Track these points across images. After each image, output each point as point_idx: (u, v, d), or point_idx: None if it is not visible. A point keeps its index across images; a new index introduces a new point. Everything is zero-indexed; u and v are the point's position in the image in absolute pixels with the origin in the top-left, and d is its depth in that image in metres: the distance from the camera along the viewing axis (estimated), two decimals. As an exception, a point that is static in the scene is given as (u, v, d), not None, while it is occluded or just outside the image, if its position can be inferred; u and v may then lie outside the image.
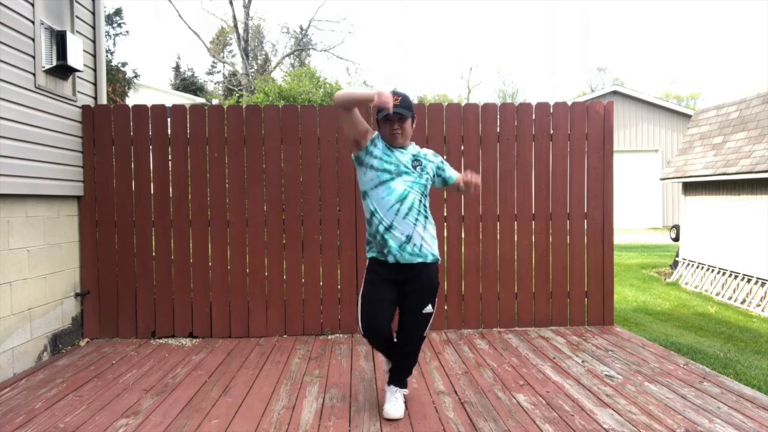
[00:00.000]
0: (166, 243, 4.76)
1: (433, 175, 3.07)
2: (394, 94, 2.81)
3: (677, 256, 10.30)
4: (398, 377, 3.09)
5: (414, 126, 3.00)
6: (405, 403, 3.10)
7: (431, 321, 3.04)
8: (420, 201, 2.95)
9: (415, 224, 2.92)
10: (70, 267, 4.59)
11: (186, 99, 24.90)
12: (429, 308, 2.99)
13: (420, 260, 2.96)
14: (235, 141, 4.78)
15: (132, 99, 16.11)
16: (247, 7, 25.58)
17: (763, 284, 7.84)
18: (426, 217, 2.99)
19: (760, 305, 7.72)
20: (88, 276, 4.71)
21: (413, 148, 3.05)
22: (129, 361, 4.10)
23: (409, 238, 2.90)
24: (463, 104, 4.96)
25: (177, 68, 37.24)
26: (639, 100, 18.80)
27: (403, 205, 2.89)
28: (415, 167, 2.96)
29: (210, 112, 4.81)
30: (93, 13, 4.90)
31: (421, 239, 2.94)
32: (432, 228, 3.05)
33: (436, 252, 3.06)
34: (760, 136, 8.04)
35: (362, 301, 3.01)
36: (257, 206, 4.78)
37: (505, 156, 4.96)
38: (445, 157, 4.94)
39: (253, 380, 3.64)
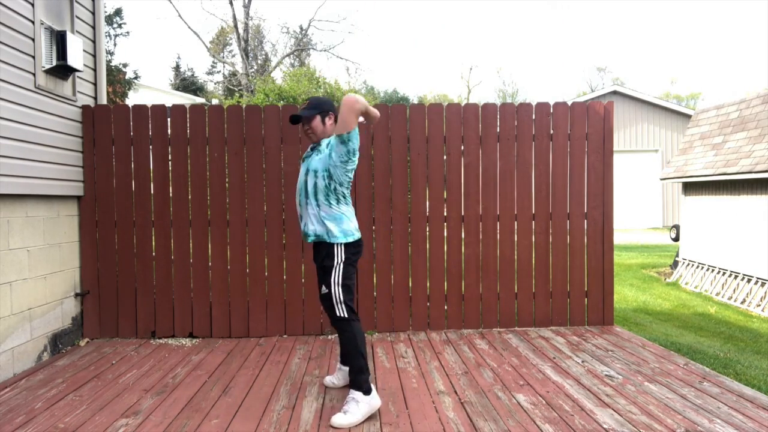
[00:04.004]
0: (166, 243, 4.77)
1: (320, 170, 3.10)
2: (306, 100, 3.11)
3: (677, 256, 10.30)
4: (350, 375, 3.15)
5: (330, 120, 3.14)
6: (362, 407, 2.96)
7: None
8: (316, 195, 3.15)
9: None
10: (70, 267, 4.59)
11: (186, 99, 24.91)
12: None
13: None
14: (235, 141, 4.78)
15: (132, 99, 16.10)
16: (247, 7, 25.59)
17: (763, 284, 7.84)
18: (316, 200, 3.12)
19: (760, 305, 7.72)
20: (88, 276, 4.71)
21: (330, 140, 3.12)
22: (129, 361, 4.10)
23: None
24: (463, 104, 4.96)
25: (177, 68, 37.27)
26: (639, 100, 18.80)
27: None
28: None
29: (210, 112, 4.81)
30: (93, 13, 4.90)
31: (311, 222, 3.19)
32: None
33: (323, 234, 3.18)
34: (760, 136, 8.04)
35: (350, 287, 3.12)
36: (257, 206, 4.79)
37: (505, 156, 4.96)
38: (445, 157, 4.95)
39: (253, 380, 3.65)
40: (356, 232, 3.16)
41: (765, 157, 7.61)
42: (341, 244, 3.07)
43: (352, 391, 3.03)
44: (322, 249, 3.11)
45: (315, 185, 3.07)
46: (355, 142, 2.98)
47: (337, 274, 3.06)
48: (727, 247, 8.73)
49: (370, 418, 3.01)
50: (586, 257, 5.01)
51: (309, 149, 3.24)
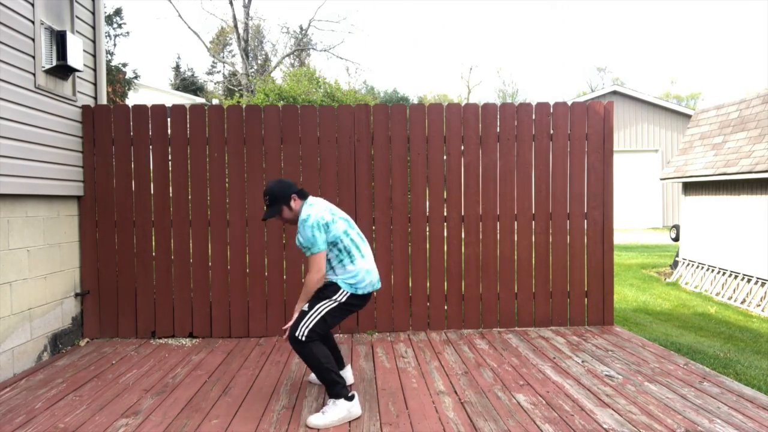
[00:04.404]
0: (166, 243, 4.77)
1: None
2: (264, 195, 3.16)
3: (677, 256, 10.30)
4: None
5: (294, 202, 3.13)
6: (341, 411, 2.96)
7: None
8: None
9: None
10: (70, 267, 4.59)
11: (186, 99, 24.91)
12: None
13: None
14: (235, 141, 4.78)
15: (132, 99, 16.11)
16: (247, 7, 25.59)
17: (763, 284, 7.84)
18: (331, 268, 3.15)
19: (760, 305, 7.72)
20: (88, 276, 4.71)
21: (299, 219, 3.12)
22: (129, 361, 4.10)
23: None
24: (463, 104, 4.96)
25: (177, 68, 37.28)
26: (639, 100, 18.80)
27: None
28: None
29: (210, 112, 4.81)
30: (93, 13, 4.90)
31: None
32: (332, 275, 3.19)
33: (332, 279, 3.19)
34: (760, 136, 8.04)
35: (327, 323, 3.09)
36: (257, 206, 4.78)
37: (505, 156, 4.96)
38: (445, 157, 4.94)
39: (253, 380, 3.65)
40: (370, 287, 3.15)
41: (765, 157, 7.61)
42: (348, 292, 3.09)
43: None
44: (330, 283, 3.13)
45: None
46: (323, 239, 3.03)
47: (326, 306, 3.06)
48: (727, 247, 8.73)
49: (370, 417, 3.01)
50: (586, 257, 5.01)
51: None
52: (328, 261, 3.12)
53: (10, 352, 3.78)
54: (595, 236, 5.01)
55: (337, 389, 2.99)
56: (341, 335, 4.79)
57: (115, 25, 14.88)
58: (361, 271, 3.11)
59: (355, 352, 4.29)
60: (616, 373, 3.72)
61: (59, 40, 4.20)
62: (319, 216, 3.05)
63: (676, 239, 11.22)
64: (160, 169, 4.78)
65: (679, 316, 7.14)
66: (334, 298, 3.07)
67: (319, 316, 3.03)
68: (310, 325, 3.01)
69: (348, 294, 3.09)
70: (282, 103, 7.92)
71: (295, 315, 3.11)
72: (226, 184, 4.81)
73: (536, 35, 69.72)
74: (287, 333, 3.06)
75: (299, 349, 3.01)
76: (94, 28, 4.91)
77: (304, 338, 2.98)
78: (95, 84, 4.97)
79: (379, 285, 3.24)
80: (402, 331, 4.89)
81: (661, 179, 10.52)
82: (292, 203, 3.14)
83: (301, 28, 28.82)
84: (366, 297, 3.17)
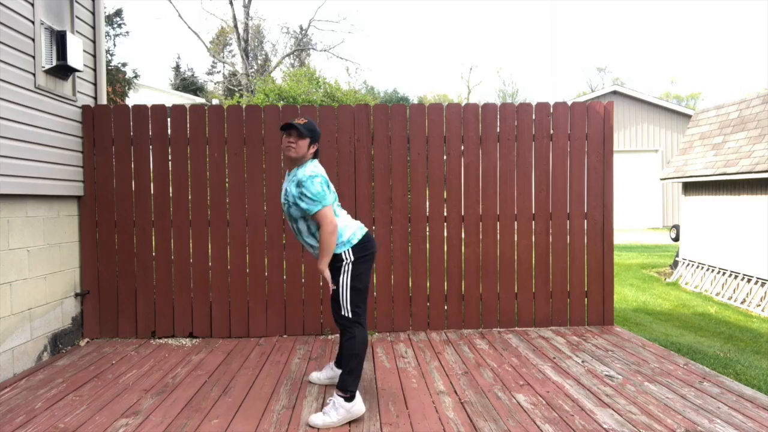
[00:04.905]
0: (166, 243, 4.77)
1: (292, 203, 3.06)
2: (304, 119, 3.12)
3: (677, 256, 10.30)
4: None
5: (313, 149, 3.11)
6: (341, 412, 2.95)
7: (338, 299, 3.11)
8: (299, 223, 3.12)
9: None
10: (70, 267, 4.59)
11: (186, 99, 24.92)
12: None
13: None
14: (235, 141, 4.78)
15: (132, 99, 16.11)
16: (247, 7, 25.60)
17: (763, 284, 7.84)
18: (311, 234, 3.12)
19: (760, 305, 7.72)
20: (88, 276, 4.71)
21: (299, 173, 3.04)
22: (129, 361, 4.10)
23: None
24: (463, 104, 4.96)
25: (177, 68, 37.30)
26: (639, 100, 18.80)
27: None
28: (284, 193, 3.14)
29: (210, 112, 4.81)
30: (93, 13, 4.90)
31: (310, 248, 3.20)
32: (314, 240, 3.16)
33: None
34: (760, 136, 8.04)
35: (360, 290, 3.11)
36: (257, 206, 4.79)
37: (505, 156, 4.96)
38: (445, 157, 4.94)
39: (253, 380, 3.65)
40: (359, 232, 3.15)
41: (765, 157, 7.62)
42: (347, 249, 3.09)
43: (336, 394, 3.01)
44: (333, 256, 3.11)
45: (299, 228, 3.13)
46: (329, 194, 3.02)
47: (345, 274, 3.06)
48: (727, 247, 8.73)
49: (370, 417, 3.02)
50: (586, 257, 5.01)
51: (287, 174, 3.21)
52: (311, 231, 3.10)
53: (10, 352, 3.78)
54: (595, 236, 5.01)
55: (348, 382, 2.99)
56: (341, 335, 4.79)
57: (115, 25, 14.89)
58: (342, 223, 3.11)
59: (355, 352, 4.29)
60: (616, 373, 3.72)
61: (59, 40, 4.20)
62: (325, 176, 3.09)
63: (676, 239, 11.23)
64: (160, 169, 4.78)
65: (679, 316, 7.14)
66: (344, 262, 3.07)
67: (347, 285, 3.05)
68: (347, 297, 3.05)
69: (349, 251, 3.08)
70: (282, 103, 7.91)
71: (325, 274, 3.06)
72: (226, 184, 4.81)
73: (536, 35, 69.73)
74: (334, 316, 3.12)
75: (347, 326, 3.05)
76: (94, 28, 4.91)
77: (351, 315, 3.04)
78: (95, 84, 4.97)
79: (365, 228, 3.23)
80: (402, 331, 4.89)
81: (661, 179, 10.51)
82: (312, 148, 3.12)
83: (301, 28, 28.84)
84: (366, 244, 3.14)
